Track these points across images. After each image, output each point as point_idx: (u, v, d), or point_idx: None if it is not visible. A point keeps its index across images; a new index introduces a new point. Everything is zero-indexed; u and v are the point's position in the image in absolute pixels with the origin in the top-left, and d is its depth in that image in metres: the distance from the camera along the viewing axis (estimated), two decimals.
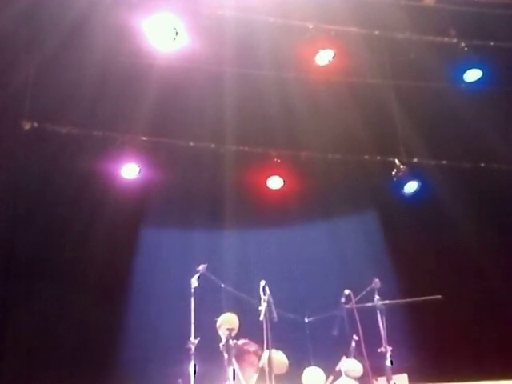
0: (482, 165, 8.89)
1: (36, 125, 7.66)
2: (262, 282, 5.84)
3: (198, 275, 6.20)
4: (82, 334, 7.69)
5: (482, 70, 7.94)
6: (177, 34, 6.80)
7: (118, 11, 6.87)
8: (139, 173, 8.09)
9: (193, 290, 6.09)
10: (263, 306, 5.71)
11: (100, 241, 7.95)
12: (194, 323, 5.88)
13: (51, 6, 6.99)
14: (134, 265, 8.39)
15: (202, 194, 8.58)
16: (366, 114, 8.59)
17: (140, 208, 8.44)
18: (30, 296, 7.79)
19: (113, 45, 7.29)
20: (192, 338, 5.86)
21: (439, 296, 6.27)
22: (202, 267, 6.25)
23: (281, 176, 8.68)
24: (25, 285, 7.82)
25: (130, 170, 8.06)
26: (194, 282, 6.14)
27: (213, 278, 6.33)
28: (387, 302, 6.24)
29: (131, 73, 7.63)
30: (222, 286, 6.49)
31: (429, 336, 8.10)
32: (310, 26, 7.60)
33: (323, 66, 7.83)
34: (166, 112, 8.06)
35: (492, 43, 7.89)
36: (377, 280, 6.32)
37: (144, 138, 8.12)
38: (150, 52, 7.19)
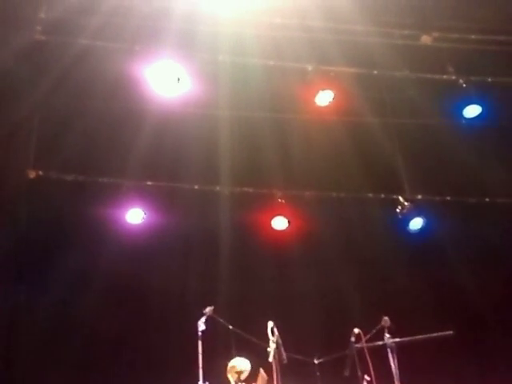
0: (487, 199, 8.90)
1: (41, 173, 7.73)
2: (270, 323, 5.80)
3: (204, 318, 6.17)
4: None
5: (481, 106, 8.02)
6: (178, 80, 6.93)
7: (121, 58, 7.02)
8: (144, 217, 8.12)
9: (200, 333, 6.04)
10: (272, 348, 5.66)
11: (105, 286, 7.93)
12: (202, 367, 5.82)
13: (55, 56, 7.11)
14: (139, 308, 8.33)
15: (208, 236, 8.57)
16: (368, 152, 8.65)
17: (145, 252, 8.43)
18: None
19: (115, 91, 7.41)
20: (201, 383, 5.79)
21: (450, 332, 6.21)
22: (208, 309, 6.22)
23: (285, 216, 8.69)
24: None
25: (134, 215, 8.09)
26: (201, 325, 6.09)
27: (220, 320, 6.29)
28: (398, 339, 6.18)
29: (133, 119, 7.73)
30: (230, 327, 6.43)
31: (442, 373, 7.99)
32: (310, 68, 7.73)
33: (323, 107, 7.93)
34: (169, 156, 8.13)
35: (490, 79, 7.99)
36: (386, 318, 6.26)
37: (149, 183, 8.18)
38: (151, 98, 7.32)
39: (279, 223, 8.73)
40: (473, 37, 7.83)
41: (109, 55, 7.08)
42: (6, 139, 7.59)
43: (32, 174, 7.72)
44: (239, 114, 8.11)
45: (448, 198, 8.84)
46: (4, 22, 6.88)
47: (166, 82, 7.07)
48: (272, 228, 8.70)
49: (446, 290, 8.72)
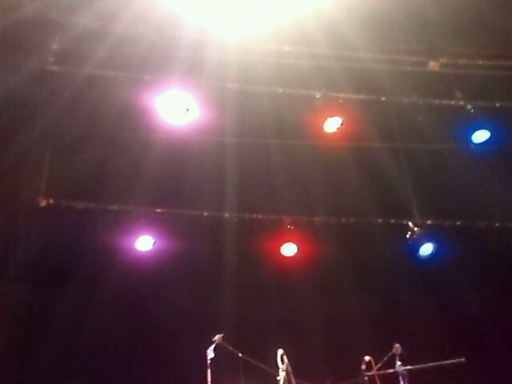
0: (497, 224, 8.86)
1: (52, 201, 7.79)
2: (280, 351, 5.77)
3: (214, 346, 6.14)
4: None
5: (489, 131, 8.02)
6: (187, 110, 7.01)
7: (130, 87, 7.12)
8: (154, 245, 8.14)
9: (209, 361, 6.01)
10: (282, 376, 5.63)
11: (114, 313, 7.95)
12: None
13: (65, 84, 7.21)
14: (149, 336, 8.32)
15: (217, 263, 8.58)
16: (377, 177, 8.65)
17: (154, 278, 8.44)
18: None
19: (124, 119, 7.50)
20: None
21: (462, 359, 6.16)
22: (217, 337, 6.20)
23: (294, 242, 8.68)
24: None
25: (144, 243, 8.12)
26: (210, 353, 6.06)
27: (229, 347, 6.26)
28: (409, 367, 6.13)
29: (142, 146, 7.81)
30: (240, 355, 6.39)
31: None
32: (318, 95, 7.78)
33: (332, 133, 7.97)
34: (178, 183, 8.18)
35: (498, 104, 8.01)
36: (397, 345, 6.22)
37: (158, 210, 8.22)
38: (160, 125, 7.39)
39: (288, 249, 8.72)
40: (480, 62, 7.86)
41: (118, 84, 7.17)
42: (16, 167, 7.68)
43: (43, 202, 7.78)
44: (247, 140, 8.16)
45: (458, 223, 8.81)
46: (17, 51, 6.98)
47: (174, 109, 7.14)
48: (281, 254, 8.69)
49: (457, 316, 8.65)
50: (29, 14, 6.84)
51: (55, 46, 7.19)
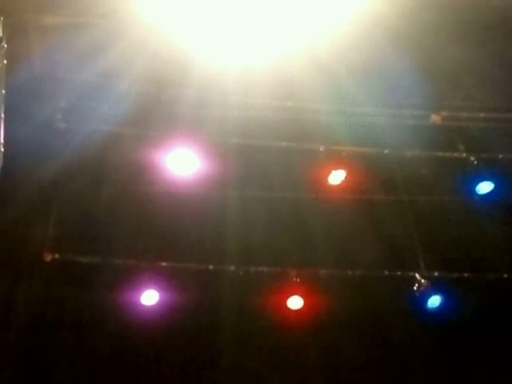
0: (505, 275, 8.79)
1: (57, 256, 7.83)
2: None
3: None
4: None
5: (493, 183, 8.02)
6: (191, 165, 7.13)
7: (135, 143, 7.25)
8: (159, 299, 8.12)
9: None
10: None
11: (119, 367, 7.90)
12: None
13: (71, 141, 7.34)
14: None
15: (223, 316, 8.54)
16: (383, 229, 8.66)
17: (159, 333, 8.39)
18: None
19: (129, 175, 7.60)
20: None
21: None
22: None
23: (300, 295, 8.62)
24: None
25: (149, 297, 8.10)
26: None
27: None
28: None
29: (146, 201, 7.88)
30: None
31: None
32: (321, 149, 7.86)
33: (336, 186, 8.01)
34: (182, 237, 8.22)
35: (500, 156, 8.04)
36: None
37: (163, 264, 8.22)
38: (165, 180, 7.47)
39: (294, 303, 8.66)
40: (482, 115, 7.92)
41: (123, 139, 7.31)
42: (23, 222, 7.76)
43: (48, 257, 7.82)
44: (251, 193, 8.21)
45: (465, 275, 8.75)
46: (27, 106, 7.12)
47: (178, 164, 7.25)
48: (287, 307, 8.62)
49: (468, 371, 8.50)
50: (37, 71, 7.00)
51: (63, 104, 7.35)
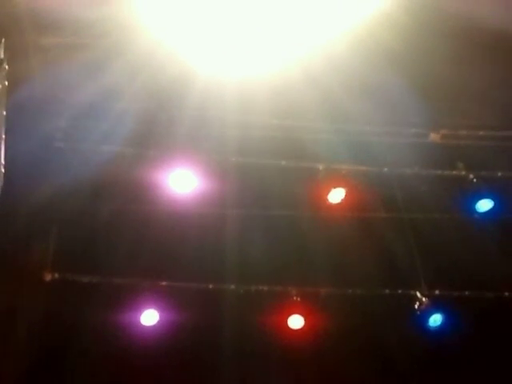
0: (506, 294, 8.76)
1: (57, 275, 7.83)
2: None
3: None
4: None
5: (493, 200, 8.02)
6: (191, 184, 7.16)
7: (134, 162, 7.29)
8: (159, 318, 8.10)
9: None
10: None
11: None
12: None
13: (71, 160, 7.38)
14: None
15: (223, 336, 8.50)
16: (383, 247, 8.63)
17: (158, 352, 8.36)
18: None
19: (128, 193, 7.63)
20: None
21: None
22: None
23: (301, 314, 8.59)
24: None
25: (149, 317, 8.07)
26: None
27: None
28: None
29: (145, 219, 7.89)
30: None
31: None
32: (321, 167, 7.88)
33: (336, 204, 8.02)
34: (182, 256, 8.20)
35: (500, 174, 8.05)
36: None
37: (163, 283, 8.22)
38: (164, 199, 7.49)
39: (295, 322, 8.63)
40: (480, 133, 7.95)
41: (122, 158, 7.34)
42: (23, 241, 7.77)
43: (48, 277, 7.83)
44: (251, 212, 8.22)
45: (466, 293, 8.72)
46: (28, 126, 7.17)
47: (177, 183, 7.28)
48: (288, 327, 8.59)
49: None
50: (38, 91, 7.06)
51: (63, 123, 7.40)
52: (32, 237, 7.84)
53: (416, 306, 8.54)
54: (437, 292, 8.61)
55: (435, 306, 8.46)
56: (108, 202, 7.73)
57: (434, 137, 7.98)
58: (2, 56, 5.97)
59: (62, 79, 6.78)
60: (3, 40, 5.93)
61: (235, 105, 6.90)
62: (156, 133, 7.30)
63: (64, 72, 6.62)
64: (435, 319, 8.47)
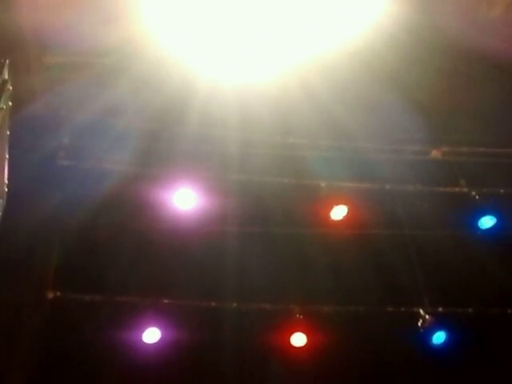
0: (510, 310, 8.72)
1: (59, 294, 7.83)
2: None
3: None
4: None
5: (495, 217, 8.02)
6: (193, 202, 7.19)
7: (137, 180, 7.32)
8: (160, 337, 8.07)
9: None
10: None
11: None
12: None
13: (74, 178, 7.41)
14: None
15: (225, 354, 8.45)
16: (385, 264, 8.61)
17: (164, 372, 8.32)
18: None
19: (130, 211, 7.65)
20: None
21: None
22: None
23: (304, 332, 8.55)
24: None
25: (151, 335, 8.05)
26: None
27: None
28: None
29: (147, 237, 7.90)
30: None
31: None
32: (323, 185, 7.90)
33: (338, 221, 8.03)
34: (184, 273, 8.19)
35: (502, 190, 8.05)
36: None
37: (165, 301, 8.20)
38: (166, 218, 7.51)
39: (298, 340, 8.59)
40: (482, 150, 7.97)
41: (124, 176, 7.37)
42: (25, 259, 7.77)
43: (50, 295, 7.83)
44: (252, 230, 8.22)
45: (469, 310, 8.69)
46: (30, 144, 7.21)
47: (179, 201, 7.31)
48: (291, 345, 8.55)
49: None
50: (41, 110, 7.11)
51: (66, 141, 7.45)
52: (34, 254, 7.83)
53: (419, 324, 8.49)
54: (440, 309, 8.58)
55: (438, 324, 8.41)
56: (110, 220, 7.74)
57: (435, 154, 8.03)
58: (6, 77, 6.00)
59: (64, 97, 6.84)
60: (7, 61, 5.97)
61: (237, 123, 6.95)
62: (158, 150, 7.34)
63: (66, 90, 6.67)
64: (438, 336, 8.43)
